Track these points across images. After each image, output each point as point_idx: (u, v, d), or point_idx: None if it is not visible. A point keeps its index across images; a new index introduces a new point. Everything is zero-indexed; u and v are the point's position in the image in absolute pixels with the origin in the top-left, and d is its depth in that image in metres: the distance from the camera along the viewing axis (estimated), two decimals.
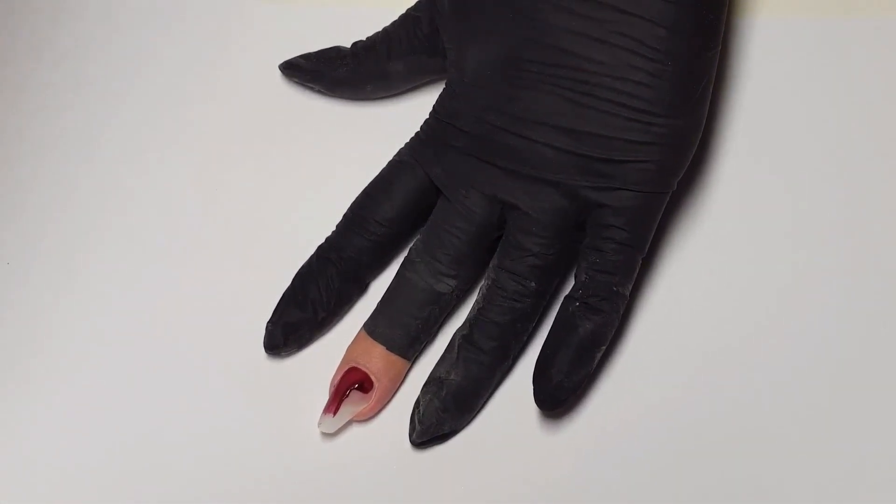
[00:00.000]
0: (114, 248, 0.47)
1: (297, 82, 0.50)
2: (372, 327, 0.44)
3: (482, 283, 0.44)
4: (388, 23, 0.48)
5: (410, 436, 0.43)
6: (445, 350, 0.44)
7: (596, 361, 0.42)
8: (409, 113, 0.47)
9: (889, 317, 0.45)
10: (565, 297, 0.42)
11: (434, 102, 0.46)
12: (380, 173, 0.46)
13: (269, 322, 0.45)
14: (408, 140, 0.46)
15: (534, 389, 0.42)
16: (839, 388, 0.44)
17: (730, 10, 0.49)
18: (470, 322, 0.44)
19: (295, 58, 0.49)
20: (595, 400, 0.44)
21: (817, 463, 0.42)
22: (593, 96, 0.42)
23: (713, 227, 0.46)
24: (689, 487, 0.42)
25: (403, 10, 0.48)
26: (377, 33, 0.48)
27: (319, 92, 0.50)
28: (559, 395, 0.41)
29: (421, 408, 0.43)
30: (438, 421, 0.43)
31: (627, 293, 0.42)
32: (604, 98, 0.41)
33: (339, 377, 0.44)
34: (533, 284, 0.43)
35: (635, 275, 0.43)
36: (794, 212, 0.46)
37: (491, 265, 0.44)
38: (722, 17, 0.43)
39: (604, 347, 0.42)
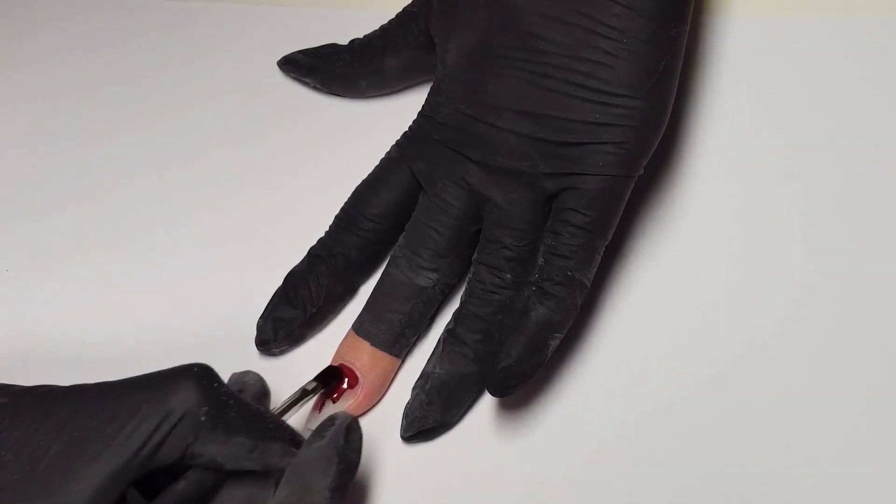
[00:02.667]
0: (109, 247, 0.49)
1: (294, 77, 0.51)
2: (358, 324, 0.44)
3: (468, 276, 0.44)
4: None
5: (400, 431, 0.43)
6: (435, 346, 0.44)
7: (551, 349, 0.40)
8: (406, 111, 0.47)
9: (861, 305, 0.43)
10: (526, 283, 0.41)
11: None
12: (371, 172, 0.46)
13: (259, 319, 0.45)
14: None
15: (487, 374, 0.41)
16: (808, 372, 0.42)
17: (726, 8, 0.48)
18: (455, 317, 0.43)
19: (293, 53, 0.51)
20: (570, 394, 0.43)
21: (793, 453, 0.41)
22: (553, 78, 0.41)
23: (685, 217, 0.45)
24: (674, 483, 0.41)
25: (401, 10, 0.48)
26: (374, 31, 0.49)
27: (315, 88, 0.50)
28: (508, 381, 0.40)
29: (409, 403, 0.43)
30: (423, 414, 0.42)
31: (587, 280, 0.40)
32: (563, 79, 0.40)
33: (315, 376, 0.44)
34: (509, 276, 0.42)
35: (596, 261, 0.41)
36: (782, 212, 0.45)
37: (472, 259, 0.44)
38: None
39: (559, 335, 0.40)
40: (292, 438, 0.38)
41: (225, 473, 0.38)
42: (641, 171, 0.41)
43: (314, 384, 0.43)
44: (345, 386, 0.44)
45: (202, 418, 0.35)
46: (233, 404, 0.36)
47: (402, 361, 0.45)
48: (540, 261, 0.41)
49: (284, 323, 0.45)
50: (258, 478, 0.38)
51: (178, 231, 0.49)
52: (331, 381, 0.43)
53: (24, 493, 0.33)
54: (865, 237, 0.44)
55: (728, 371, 0.42)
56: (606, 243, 0.41)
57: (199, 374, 0.36)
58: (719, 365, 0.42)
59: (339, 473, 0.36)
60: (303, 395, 0.42)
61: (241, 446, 0.36)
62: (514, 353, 0.40)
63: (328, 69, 0.50)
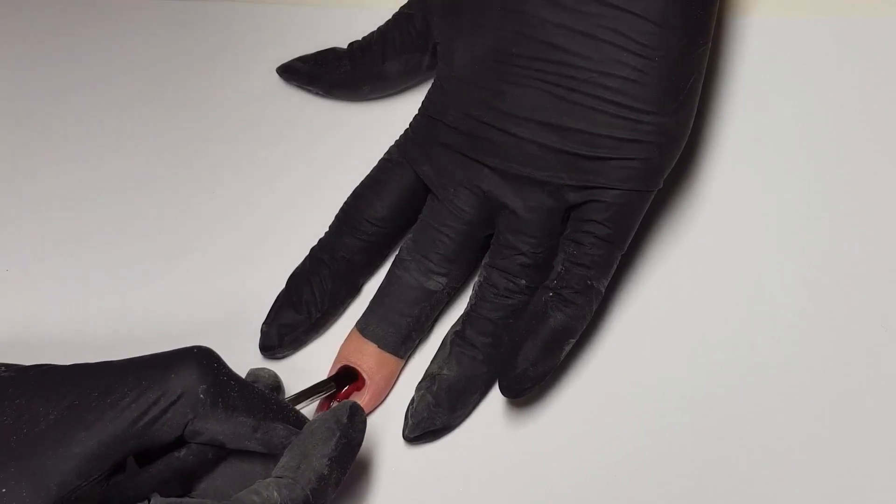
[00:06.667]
0: (110, 249, 0.48)
1: (294, 85, 0.51)
2: (364, 325, 0.44)
3: (475, 280, 0.44)
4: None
5: (403, 432, 0.43)
6: (439, 348, 0.44)
7: (564, 354, 0.41)
8: (405, 110, 0.48)
9: (879, 318, 0.44)
10: (541, 287, 0.42)
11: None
12: (370, 172, 0.46)
13: (263, 324, 0.45)
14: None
15: (498, 376, 0.41)
16: (820, 386, 0.43)
17: (727, 9, 0.49)
18: (463, 319, 0.44)
19: (292, 60, 0.50)
20: (577, 399, 0.44)
21: (797, 458, 0.42)
22: (579, 92, 0.41)
23: (700, 227, 0.46)
24: (677, 487, 0.42)
25: (397, 12, 0.49)
26: (372, 33, 0.49)
27: (317, 94, 0.50)
28: (523, 383, 0.41)
29: (414, 404, 0.43)
30: (430, 415, 0.43)
31: (602, 288, 0.42)
32: (590, 94, 0.41)
33: (331, 375, 0.44)
34: (523, 282, 0.43)
35: (612, 271, 0.42)
36: (784, 213, 0.46)
37: (483, 262, 0.44)
38: (712, 12, 0.42)
39: (573, 340, 0.41)
40: (296, 420, 0.38)
41: (228, 451, 0.38)
42: (661, 185, 0.43)
43: (329, 383, 0.42)
44: (348, 387, 0.44)
45: (201, 396, 0.36)
46: (234, 384, 0.37)
47: (406, 362, 0.45)
48: (559, 268, 0.42)
49: (289, 329, 0.45)
50: (261, 457, 0.38)
51: (178, 230, 0.48)
52: (346, 381, 0.43)
53: (19, 455, 0.33)
54: (870, 240, 0.45)
55: (732, 376, 0.43)
56: (623, 253, 0.43)
57: (200, 355, 0.36)
58: (724, 369, 0.44)
59: (341, 446, 0.37)
60: (315, 390, 0.42)
61: (243, 425, 0.36)
62: (531, 357, 0.41)
63: (330, 77, 0.49)
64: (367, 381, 0.43)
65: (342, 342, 0.45)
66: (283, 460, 0.36)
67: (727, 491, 0.41)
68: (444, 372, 0.43)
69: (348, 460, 0.38)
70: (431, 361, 0.44)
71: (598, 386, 0.44)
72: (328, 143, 0.50)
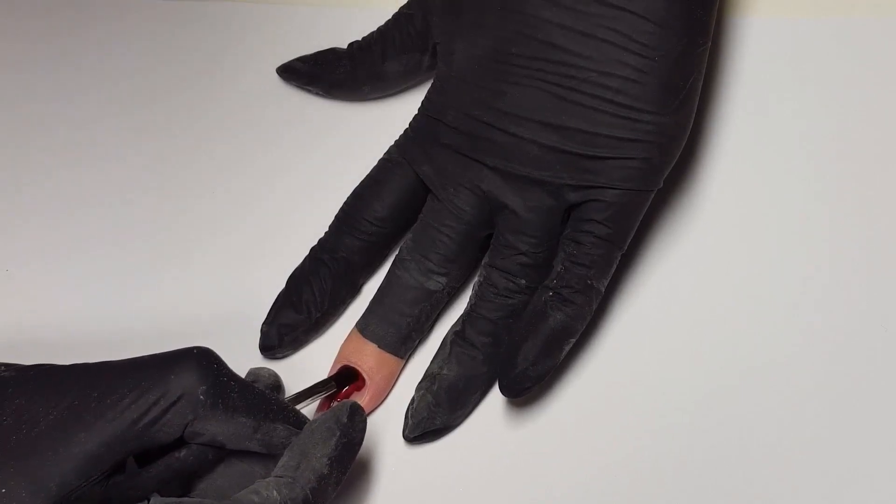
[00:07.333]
0: (110, 249, 0.48)
1: (294, 85, 0.51)
2: (364, 325, 0.44)
3: (475, 280, 0.44)
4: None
5: (403, 432, 0.43)
6: (439, 348, 0.44)
7: (564, 353, 0.41)
8: (406, 111, 0.47)
9: (878, 317, 0.44)
10: (540, 287, 0.42)
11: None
12: (370, 172, 0.46)
13: (263, 324, 0.45)
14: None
15: (498, 375, 0.42)
16: (820, 386, 0.43)
17: (727, 9, 0.49)
18: (463, 319, 0.44)
19: (292, 61, 0.50)
20: (578, 398, 0.44)
21: (798, 461, 0.42)
22: (579, 92, 0.41)
23: (700, 227, 0.46)
24: (678, 489, 0.42)
25: (397, 12, 0.49)
26: (372, 34, 0.49)
27: (317, 94, 0.50)
28: (523, 383, 0.41)
29: (414, 404, 0.43)
30: (430, 415, 0.43)
31: (602, 288, 0.42)
32: (590, 93, 0.41)
33: (331, 375, 0.44)
34: (524, 282, 0.43)
35: (612, 270, 0.42)
36: (784, 212, 0.46)
37: (483, 263, 0.44)
38: (712, 12, 0.43)
39: (573, 340, 0.42)
40: (296, 420, 0.38)
41: (228, 451, 0.38)
42: (661, 185, 0.43)
43: (329, 382, 0.43)
44: (348, 387, 0.44)
45: (201, 397, 0.36)
46: (234, 385, 0.37)
47: (406, 362, 0.45)
48: (559, 267, 0.42)
49: (289, 329, 0.45)
50: (261, 457, 0.38)
51: (178, 230, 0.48)
52: (346, 381, 0.43)
53: (19, 455, 0.33)
54: (870, 240, 0.45)
55: (732, 376, 0.43)
56: (623, 252, 0.43)
57: (199, 356, 0.37)
58: (724, 369, 0.44)
59: (341, 446, 0.37)
60: (315, 389, 0.42)
61: (243, 426, 0.36)
62: (531, 356, 0.41)
63: (330, 77, 0.50)
64: (368, 381, 0.44)
65: (342, 342, 0.45)
66: (282, 460, 0.36)
67: (727, 491, 0.41)
68: (444, 372, 0.43)
69: (348, 460, 0.38)
70: (431, 361, 0.44)
71: (598, 386, 0.44)
72: (328, 143, 0.50)
